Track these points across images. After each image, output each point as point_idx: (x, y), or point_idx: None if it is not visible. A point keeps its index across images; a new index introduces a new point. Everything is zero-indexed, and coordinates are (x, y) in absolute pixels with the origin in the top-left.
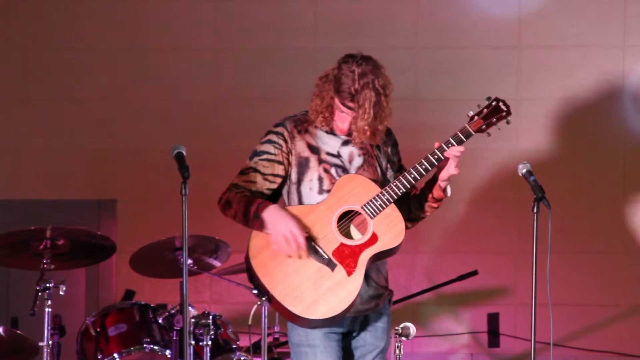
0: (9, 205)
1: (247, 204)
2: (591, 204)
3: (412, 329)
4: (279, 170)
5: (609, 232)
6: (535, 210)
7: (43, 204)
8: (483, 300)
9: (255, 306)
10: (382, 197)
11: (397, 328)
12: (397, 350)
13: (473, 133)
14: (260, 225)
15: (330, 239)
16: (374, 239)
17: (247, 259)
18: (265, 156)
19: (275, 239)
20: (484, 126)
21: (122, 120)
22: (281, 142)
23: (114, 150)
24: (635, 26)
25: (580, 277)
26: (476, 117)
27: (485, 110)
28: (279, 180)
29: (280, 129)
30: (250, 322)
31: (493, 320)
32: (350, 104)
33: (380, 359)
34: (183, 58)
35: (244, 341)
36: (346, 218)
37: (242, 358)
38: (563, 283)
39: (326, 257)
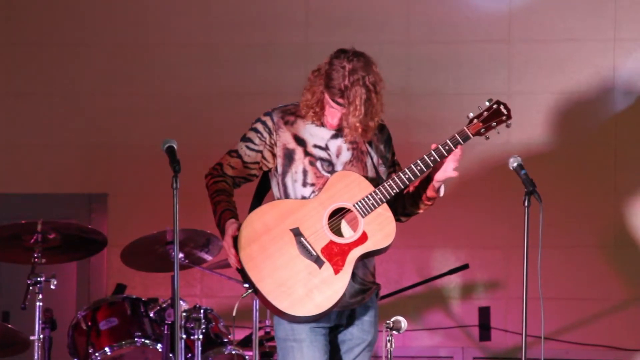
0: (0, 199)
1: (215, 204)
2: (582, 198)
3: (404, 322)
4: (261, 160)
5: (600, 226)
6: (526, 204)
7: (34, 198)
8: (474, 294)
9: (240, 298)
10: (374, 196)
11: (388, 322)
12: (389, 344)
13: (471, 136)
14: (220, 232)
15: (320, 236)
16: (363, 238)
17: (235, 250)
18: (249, 144)
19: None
20: (482, 129)
21: (114, 114)
22: (265, 134)
23: (105, 144)
24: (625, 20)
25: (571, 271)
26: (475, 120)
27: (485, 113)
28: (260, 168)
29: (266, 119)
30: (234, 314)
31: (484, 314)
32: (340, 100)
33: (368, 352)
34: (175, 53)
35: (235, 335)
36: (338, 215)
37: (233, 352)
38: (554, 277)
39: (315, 254)
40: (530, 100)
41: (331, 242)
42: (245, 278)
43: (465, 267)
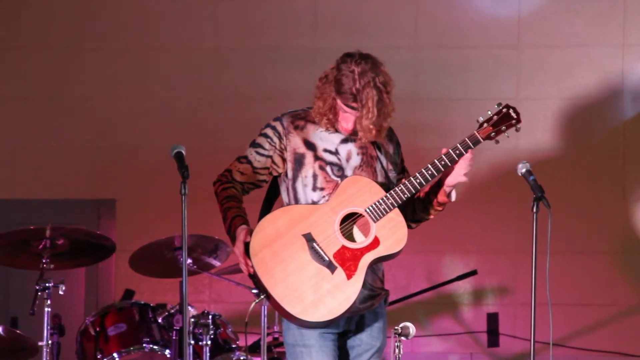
0: (9, 205)
1: (225, 210)
2: (590, 204)
3: (412, 328)
4: (271, 165)
5: (608, 232)
6: (534, 210)
7: (42, 204)
8: (482, 300)
9: (252, 304)
10: (386, 201)
11: (396, 328)
12: (397, 350)
13: (482, 140)
14: (231, 239)
15: (332, 241)
16: (375, 243)
17: (247, 256)
18: (259, 149)
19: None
20: (492, 134)
21: (122, 119)
22: (275, 138)
23: (113, 149)
24: (634, 25)
25: (579, 277)
26: (485, 124)
27: (495, 117)
28: (270, 174)
29: (276, 124)
30: (247, 320)
31: (492, 320)
32: (354, 104)
33: (377, 358)
34: (183, 57)
35: (244, 341)
36: (350, 220)
37: (241, 357)
38: (562, 283)
39: (327, 259)
40: (538, 106)
41: (343, 247)
42: (257, 284)
43: (473, 273)
